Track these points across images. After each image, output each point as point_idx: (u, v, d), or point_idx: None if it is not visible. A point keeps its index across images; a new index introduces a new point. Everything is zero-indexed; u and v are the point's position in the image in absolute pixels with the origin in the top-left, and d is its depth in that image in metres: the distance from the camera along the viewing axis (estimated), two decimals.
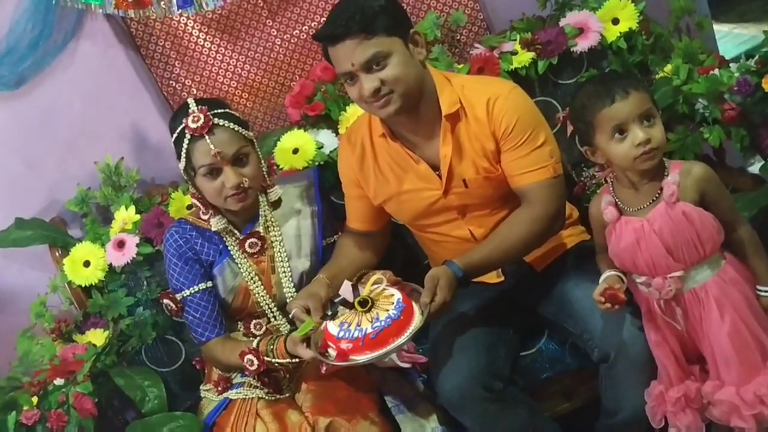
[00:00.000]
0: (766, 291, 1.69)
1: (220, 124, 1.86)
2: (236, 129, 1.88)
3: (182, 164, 1.89)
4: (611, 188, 1.75)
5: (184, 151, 1.86)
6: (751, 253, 1.70)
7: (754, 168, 2.25)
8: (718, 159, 2.26)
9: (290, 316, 1.83)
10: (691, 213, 1.64)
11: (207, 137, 1.84)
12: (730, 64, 2.11)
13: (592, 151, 1.72)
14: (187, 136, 1.85)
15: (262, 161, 1.95)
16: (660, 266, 1.67)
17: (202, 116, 1.84)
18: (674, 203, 1.64)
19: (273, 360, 1.83)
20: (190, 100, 1.89)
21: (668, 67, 2.19)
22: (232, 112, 1.92)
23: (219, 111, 1.88)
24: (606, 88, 1.64)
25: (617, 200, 1.73)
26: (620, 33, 2.24)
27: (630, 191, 1.70)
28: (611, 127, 1.63)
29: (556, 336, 2.00)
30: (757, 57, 2.05)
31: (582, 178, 2.26)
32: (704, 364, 1.74)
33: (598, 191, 2.15)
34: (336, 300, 1.75)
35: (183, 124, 1.85)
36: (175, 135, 1.89)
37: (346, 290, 1.72)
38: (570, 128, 2.25)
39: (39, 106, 2.34)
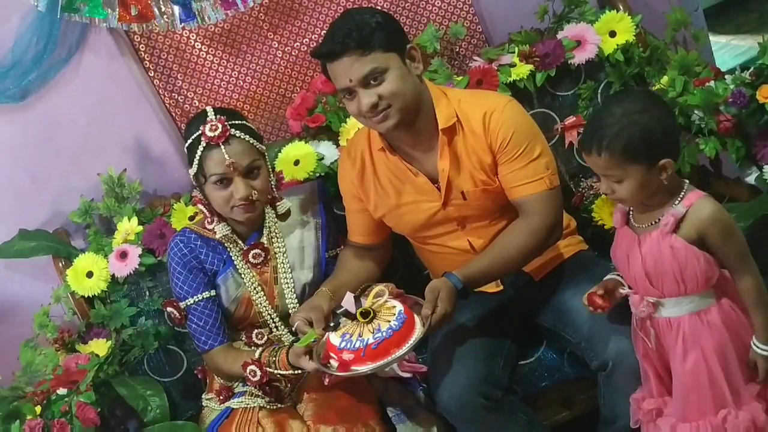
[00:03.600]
0: (759, 347, 1.63)
1: (237, 135, 1.87)
2: (251, 142, 1.89)
3: (193, 170, 1.90)
4: None
5: (197, 157, 1.87)
6: (752, 305, 1.63)
7: (751, 179, 2.26)
8: (715, 170, 2.28)
9: (293, 328, 1.84)
10: (679, 249, 1.59)
11: (223, 147, 1.85)
12: (726, 76, 2.13)
13: None
14: (203, 143, 1.86)
15: (271, 174, 1.97)
16: (640, 285, 1.67)
17: (220, 125, 1.85)
18: (666, 234, 1.60)
19: (275, 371, 1.85)
20: (209, 108, 1.90)
21: (664, 79, 2.21)
22: (249, 125, 1.93)
23: (236, 122, 1.89)
24: (591, 133, 1.60)
25: (630, 209, 1.71)
26: (617, 45, 2.27)
27: (643, 206, 1.67)
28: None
29: (555, 345, 2.01)
30: (751, 69, 2.07)
31: (580, 189, 2.27)
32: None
33: (597, 202, 2.19)
34: (338, 311, 1.77)
35: (200, 131, 1.86)
36: (189, 141, 1.89)
37: (348, 302, 1.74)
38: (568, 139, 2.29)
39: (43, 118, 2.35)
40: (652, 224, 1.65)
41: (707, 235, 1.60)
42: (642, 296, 1.67)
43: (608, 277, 1.78)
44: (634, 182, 1.58)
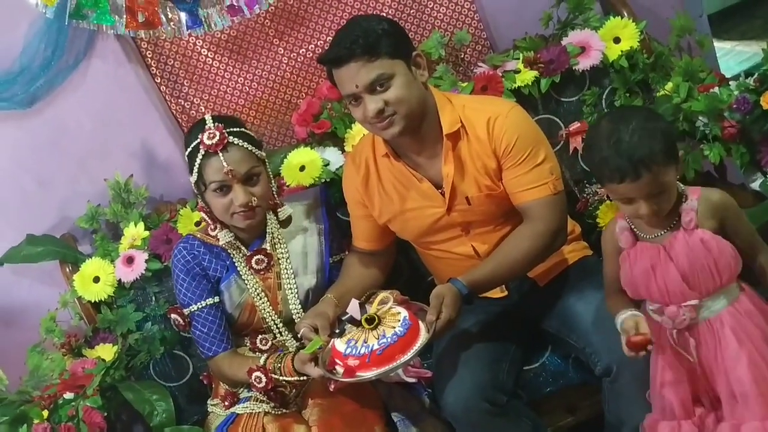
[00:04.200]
0: None
1: (235, 142, 1.88)
2: (250, 149, 1.90)
3: (194, 178, 1.92)
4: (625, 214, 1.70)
5: (197, 165, 1.89)
6: None
7: (755, 185, 2.27)
8: (719, 176, 2.28)
9: (299, 335, 1.85)
10: (709, 240, 1.60)
11: (221, 154, 1.86)
12: (730, 82, 2.13)
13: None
14: (202, 151, 1.87)
15: (272, 181, 1.97)
16: (675, 294, 1.63)
17: (218, 133, 1.87)
18: (692, 230, 1.60)
19: (280, 377, 1.85)
20: (208, 116, 1.91)
21: (669, 85, 2.21)
22: (247, 132, 1.94)
23: (235, 129, 1.90)
24: (620, 161, 1.54)
25: (632, 226, 1.69)
26: (622, 52, 2.27)
27: (656, 216, 1.63)
28: (617, 198, 1.62)
29: (560, 350, 2.01)
30: (756, 75, 2.07)
31: (584, 195, 2.28)
32: (713, 404, 1.69)
33: (602, 208, 2.19)
34: (343, 318, 1.78)
35: (198, 139, 1.88)
36: (189, 149, 1.91)
37: (353, 308, 1.75)
38: (573, 145, 2.29)
39: (51, 124, 2.37)
40: (668, 229, 1.64)
41: (725, 218, 1.62)
42: (679, 305, 1.63)
43: (623, 317, 1.65)
44: (672, 187, 1.59)
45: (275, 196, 1.99)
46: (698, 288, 1.62)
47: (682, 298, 1.63)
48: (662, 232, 1.65)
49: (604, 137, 1.58)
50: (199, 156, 1.88)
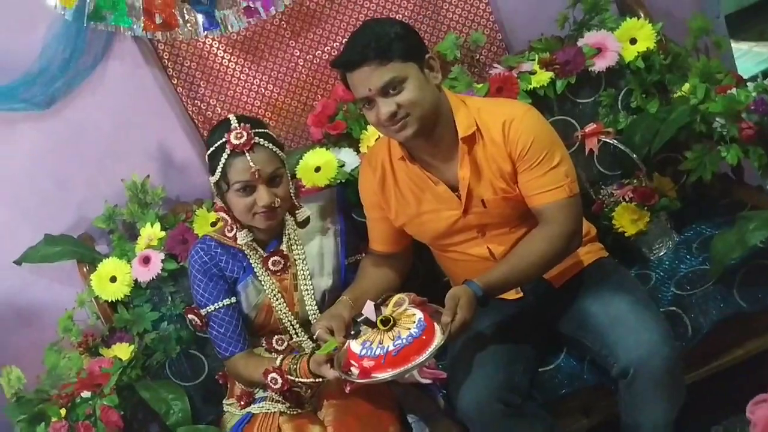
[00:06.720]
0: None
1: (261, 143, 1.88)
2: (275, 150, 1.91)
3: (215, 178, 1.91)
4: None
5: (221, 165, 1.88)
6: None
7: None
8: (737, 177, 2.27)
9: (314, 337, 1.85)
10: None
11: (247, 154, 1.86)
12: (748, 83, 2.12)
13: None
14: (227, 150, 1.87)
15: (291, 183, 1.98)
16: None
17: (245, 133, 1.87)
18: None
19: (296, 379, 1.86)
20: (232, 116, 1.91)
21: (686, 87, 2.21)
22: (271, 133, 1.95)
23: (260, 131, 1.91)
24: None
25: None
26: (638, 53, 2.27)
27: None
28: None
29: (575, 352, 2.00)
30: None
31: (600, 196, 2.27)
32: None
33: (617, 210, 2.18)
34: (359, 320, 1.78)
35: (224, 139, 1.88)
36: (213, 148, 1.90)
37: (368, 310, 1.75)
38: (588, 146, 2.28)
39: (69, 125, 2.39)
40: None
41: None
42: None
43: None
44: None
45: (294, 197, 2.00)
46: None
47: None
48: None
49: None
50: (224, 155, 1.88)
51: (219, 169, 1.89)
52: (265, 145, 1.89)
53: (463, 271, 1.95)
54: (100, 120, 2.41)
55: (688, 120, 2.15)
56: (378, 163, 1.97)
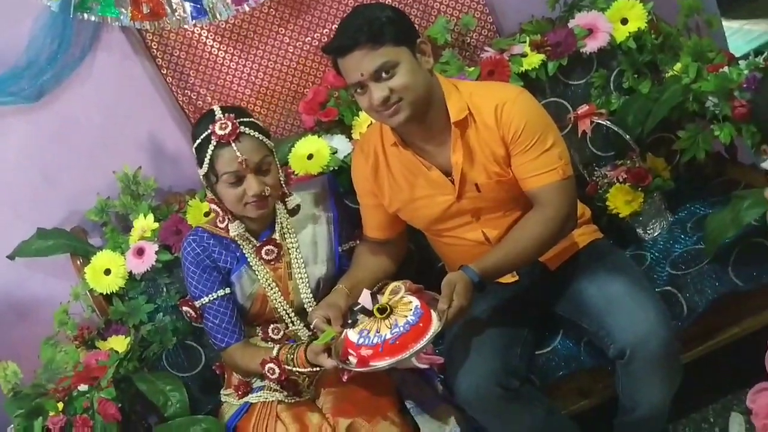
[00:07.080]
0: None
1: (247, 132, 1.87)
2: (261, 138, 1.90)
3: (204, 170, 1.91)
4: None
5: (208, 157, 1.88)
6: None
7: (767, 164, 2.24)
8: (730, 156, 2.27)
9: (311, 326, 1.85)
10: None
11: (233, 144, 1.85)
12: (740, 62, 2.12)
13: None
14: (213, 142, 1.86)
15: (280, 170, 1.97)
16: None
17: (230, 123, 1.86)
18: None
19: (294, 368, 1.86)
20: (216, 107, 1.90)
21: (678, 66, 2.20)
22: (257, 122, 1.94)
23: (245, 120, 1.90)
24: None
25: None
26: (629, 33, 2.26)
27: None
28: None
29: (572, 334, 2.01)
30: (765, 54, 2.06)
31: (594, 178, 2.26)
32: None
33: (611, 191, 2.18)
34: (355, 308, 1.78)
35: (209, 131, 1.87)
36: (198, 141, 1.89)
37: (365, 299, 1.76)
38: (581, 128, 2.28)
39: (58, 118, 2.37)
40: None
41: None
42: None
43: None
44: None
45: (284, 185, 1.99)
46: None
47: None
48: None
49: None
50: (211, 147, 1.87)
51: (206, 161, 1.88)
52: (251, 133, 1.88)
53: (458, 256, 1.95)
54: (90, 112, 2.40)
55: (681, 99, 2.14)
56: (370, 149, 1.97)
